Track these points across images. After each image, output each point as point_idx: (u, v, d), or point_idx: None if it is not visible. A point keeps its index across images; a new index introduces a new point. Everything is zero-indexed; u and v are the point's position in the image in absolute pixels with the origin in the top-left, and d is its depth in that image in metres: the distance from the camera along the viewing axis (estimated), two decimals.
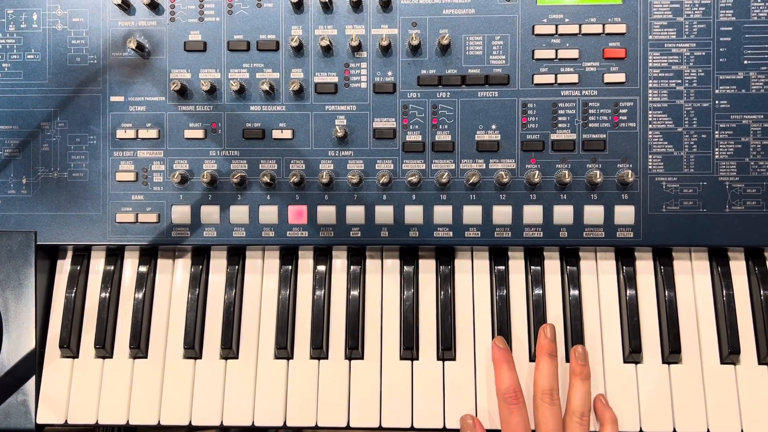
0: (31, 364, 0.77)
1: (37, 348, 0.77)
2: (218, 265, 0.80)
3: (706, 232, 0.75)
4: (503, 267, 0.78)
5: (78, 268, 0.80)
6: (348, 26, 0.77)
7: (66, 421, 0.76)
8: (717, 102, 0.76)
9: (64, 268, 0.81)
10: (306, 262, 0.80)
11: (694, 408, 0.74)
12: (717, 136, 0.76)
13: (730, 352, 0.74)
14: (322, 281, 0.78)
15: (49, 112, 0.78)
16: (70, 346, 0.77)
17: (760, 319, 0.75)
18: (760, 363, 0.75)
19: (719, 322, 0.76)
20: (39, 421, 0.76)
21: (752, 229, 0.75)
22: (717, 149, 0.75)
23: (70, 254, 0.81)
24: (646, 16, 0.76)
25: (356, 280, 0.78)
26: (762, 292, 0.76)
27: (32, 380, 0.77)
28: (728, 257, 0.78)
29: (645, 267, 0.78)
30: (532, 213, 0.76)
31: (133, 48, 0.76)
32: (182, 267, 0.81)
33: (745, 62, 0.75)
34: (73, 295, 0.78)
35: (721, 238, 0.75)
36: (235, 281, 0.79)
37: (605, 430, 0.72)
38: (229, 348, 0.76)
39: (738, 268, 0.78)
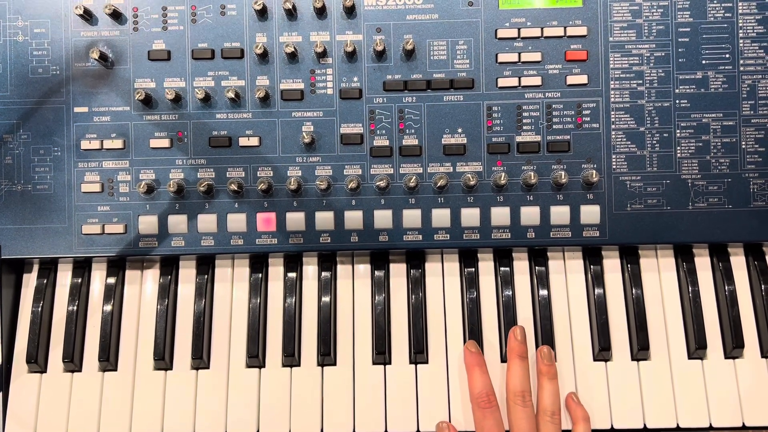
0: None
1: (4, 364, 0.76)
2: (187, 275, 0.80)
3: (670, 230, 0.76)
4: (473, 269, 0.79)
5: (44, 281, 0.78)
6: (312, 33, 0.78)
7: None
8: (677, 101, 0.77)
9: (30, 282, 0.79)
10: (276, 270, 0.80)
11: (663, 403, 0.74)
12: (678, 134, 0.77)
13: (697, 348, 0.75)
14: (293, 288, 0.78)
15: (11, 124, 0.77)
16: (37, 361, 0.76)
17: (726, 314, 0.76)
18: (726, 357, 0.76)
19: (686, 318, 0.77)
20: None
21: (715, 225, 0.76)
22: (679, 148, 0.77)
23: (36, 268, 0.80)
24: (607, 18, 0.77)
25: (327, 286, 0.78)
26: (726, 287, 0.77)
27: None
28: (693, 254, 0.79)
29: (612, 266, 0.79)
30: (500, 215, 0.76)
31: (96, 58, 0.76)
32: (151, 278, 0.80)
33: (704, 62, 0.77)
34: (40, 309, 0.77)
35: (686, 235, 0.77)
36: (204, 291, 0.78)
37: (577, 428, 0.73)
38: (200, 358, 0.76)
39: (703, 264, 0.79)
